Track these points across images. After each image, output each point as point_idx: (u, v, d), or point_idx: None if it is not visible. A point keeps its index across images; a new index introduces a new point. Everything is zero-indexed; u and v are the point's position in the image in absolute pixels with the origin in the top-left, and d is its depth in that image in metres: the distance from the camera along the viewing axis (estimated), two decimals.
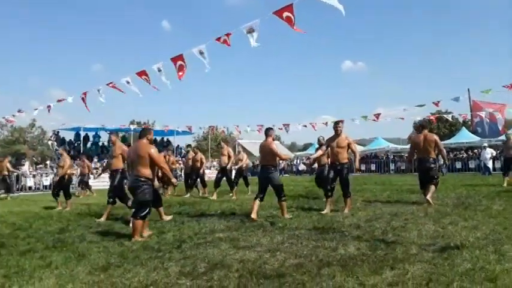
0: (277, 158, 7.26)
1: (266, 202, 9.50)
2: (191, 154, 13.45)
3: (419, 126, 8.89)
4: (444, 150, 8.71)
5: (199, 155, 13.09)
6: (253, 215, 6.70)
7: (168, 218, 7.26)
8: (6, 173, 15.05)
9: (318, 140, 9.89)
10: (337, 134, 7.49)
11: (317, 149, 9.22)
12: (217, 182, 12.08)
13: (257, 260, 4.09)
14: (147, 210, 5.57)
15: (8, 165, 15.29)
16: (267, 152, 7.13)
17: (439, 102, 17.73)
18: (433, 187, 7.93)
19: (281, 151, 8.57)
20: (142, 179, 5.59)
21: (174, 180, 6.69)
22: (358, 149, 32.23)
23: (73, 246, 5.17)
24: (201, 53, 7.83)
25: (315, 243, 4.75)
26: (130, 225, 5.87)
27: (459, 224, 5.57)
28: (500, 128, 27.21)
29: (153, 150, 5.66)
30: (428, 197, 7.74)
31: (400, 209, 7.38)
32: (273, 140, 7.32)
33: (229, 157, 12.10)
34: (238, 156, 13.07)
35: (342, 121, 7.65)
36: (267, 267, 3.82)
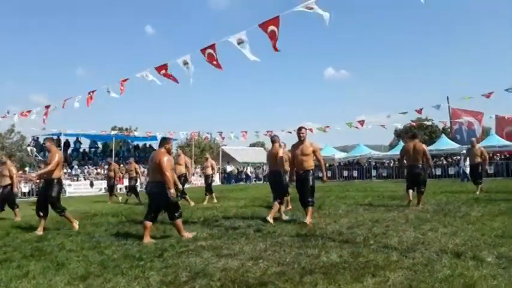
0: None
1: (250, 208, 9.50)
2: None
3: (411, 136, 9.56)
4: (430, 159, 9.27)
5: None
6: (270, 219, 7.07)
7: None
8: None
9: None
10: (300, 140, 7.06)
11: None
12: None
13: (239, 268, 4.07)
14: (180, 210, 6.09)
15: None
16: (273, 158, 7.71)
17: (421, 109, 18.12)
18: (421, 196, 8.86)
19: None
20: (162, 185, 5.88)
21: (172, 190, 5.99)
22: (341, 155, 32.82)
23: (52, 255, 5.06)
24: (185, 63, 7.81)
25: (298, 250, 4.76)
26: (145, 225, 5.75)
27: (439, 230, 5.67)
28: (477, 135, 27.86)
29: (165, 159, 5.92)
30: (419, 206, 8.52)
31: (381, 215, 7.47)
32: (279, 146, 7.87)
33: (186, 166, 11.93)
34: (206, 163, 13.18)
35: (304, 127, 7.14)
36: (250, 275, 3.80)
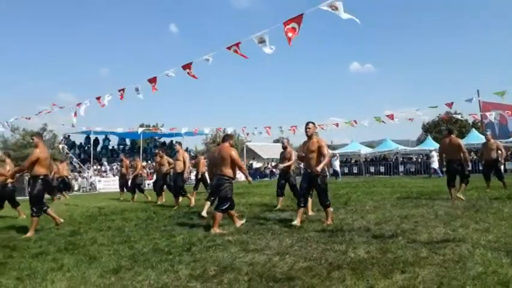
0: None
1: (274, 205, 9.52)
2: (158, 158, 12.25)
3: (447, 131, 9.69)
4: (466, 154, 9.12)
5: (166, 159, 11.98)
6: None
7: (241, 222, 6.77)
8: None
9: (282, 143, 9.62)
10: (307, 136, 6.62)
11: (281, 154, 9.18)
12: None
13: (266, 263, 4.10)
14: (227, 205, 6.37)
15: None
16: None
17: (452, 103, 17.48)
18: (463, 185, 8.90)
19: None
20: (225, 178, 6.43)
21: (250, 178, 7.13)
22: (367, 151, 32.32)
23: (84, 249, 5.22)
24: (207, 60, 7.94)
25: (324, 246, 4.75)
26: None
27: (470, 226, 5.53)
28: (510, 129, 26.90)
29: (234, 153, 6.51)
30: (459, 194, 8.70)
31: (410, 211, 7.33)
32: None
33: (184, 162, 10.78)
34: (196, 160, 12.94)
35: (311, 122, 6.62)
36: (277, 270, 3.82)
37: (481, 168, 23.77)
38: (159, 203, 11.85)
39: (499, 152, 11.31)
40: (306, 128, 6.60)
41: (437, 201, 8.79)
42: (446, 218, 6.39)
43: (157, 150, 12.75)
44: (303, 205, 6.48)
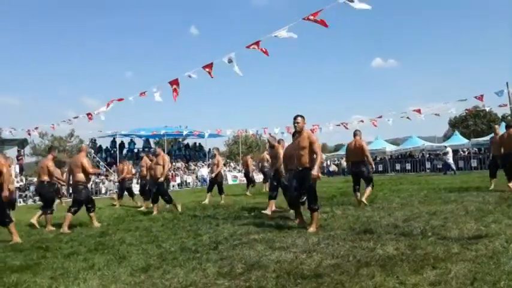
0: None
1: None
2: (145, 161, 11.82)
3: (506, 126, 10.00)
4: None
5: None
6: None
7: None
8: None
9: (268, 140, 9.02)
10: (296, 131, 6.07)
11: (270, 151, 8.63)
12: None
13: (293, 260, 4.08)
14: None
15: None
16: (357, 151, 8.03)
17: (482, 96, 16.88)
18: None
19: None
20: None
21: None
22: (392, 148, 31.80)
23: (114, 249, 5.33)
24: (230, 61, 7.97)
25: (352, 243, 4.69)
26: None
27: (503, 222, 5.36)
28: None
29: (280, 150, 7.31)
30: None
31: (438, 207, 7.17)
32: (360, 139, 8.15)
33: (163, 167, 9.96)
34: (213, 161, 12.27)
35: (300, 116, 6.02)
36: (304, 267, 3.80)
37: None
38: (155, 212, 9.69)
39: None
40: (294, 122, 6.01)
41: (467, 197, 8.55)
42: (478, 213, 6.21)
43: (144, 154, 12.23)
44: (296, 205, 6.16)
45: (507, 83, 26.05)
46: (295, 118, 6.01)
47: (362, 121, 22.19)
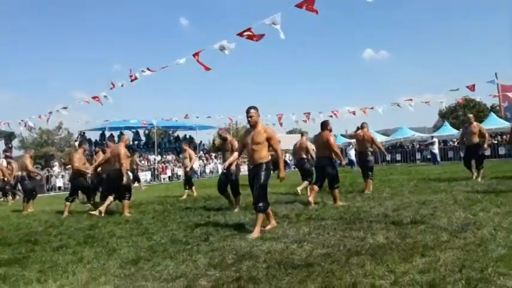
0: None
1: (291, 195, 9.51)
2: (100, 155, 10.90)
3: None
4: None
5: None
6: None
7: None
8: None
9: (218, 134, 8.66)
10: (250, 125, 5.47)
11: (218, 145, 8.33)
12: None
13: (284, 250, 4.09)
14: (338, 181, 7.35)
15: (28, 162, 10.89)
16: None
17: (473, 86, 16.94)
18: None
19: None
20: (327, 159, 7.34)
21: (344, 162, 8.09)
22: (383, 139, 32.04)
23: (103, 242, 5.29)
24: (222, 48, 7.85)
25: (342, 233, 4.71)
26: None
27: (491, 210, 5.42)
28: None
29: (332, 138, 7.36)
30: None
31: (428, 197, 7.23)
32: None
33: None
34: (184, 154, 12.19)
35: (254, 108, 5.37)
36: (295, 257, 3.81)
37: (501, 152, 23.67)
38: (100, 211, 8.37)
39: (483, 135, 10.16)
40: (247, 116, 5.36)
41: (456, 186, 8.65)
42: (466, 202, 6.28)
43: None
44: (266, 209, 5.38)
45: (496, 74, 26.32)
46: (247, 111, 5.35)
47: (354, 113, 22.20)
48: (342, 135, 42.94)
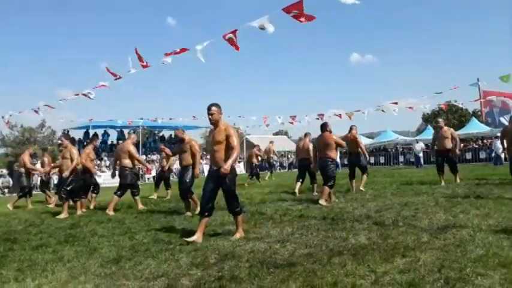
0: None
1: (275, 195, 9.53)
2: (45, 155, 11.79)
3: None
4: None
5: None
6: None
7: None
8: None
9: (175, 134, 8.83)
10: (211, 123, 5.12)
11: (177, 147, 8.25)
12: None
13: (267, 250, 4.09)
14: (333, 182, 7.62)
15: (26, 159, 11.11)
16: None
17: (455, 87, 17.40)
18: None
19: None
20: (329, 160, 7.74)
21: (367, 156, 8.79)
22: (367, 142, 32.39)
23: (84, 241, 5.21)
24: (203, 48, 7.78)
25: (325, 233, 4.74)
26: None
27: (471, 212, 5.52)
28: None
29: (336, 137, 7.91)
30: None
31: (410, 199, 7.33)
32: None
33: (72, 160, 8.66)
34: (162, 154, 11.80)
35: (214, 105, 5.04)
36: (278, 257, 3.82)
37: (482, 156, 24.13)
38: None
39: (454, 140, 9.99)
40: (208, 113, 5.01)
41: (438, 189, 8.78)
42: (447, 204, 6.38)
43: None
44: (207, 214, 4.97)
45: (478, 79, 26.83)
46: (208, 108, 5.00)
47: (340, 115, 22.37)
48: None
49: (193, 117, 25.41)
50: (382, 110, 19.04)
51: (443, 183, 9.70)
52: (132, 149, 8.36)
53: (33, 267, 3.99)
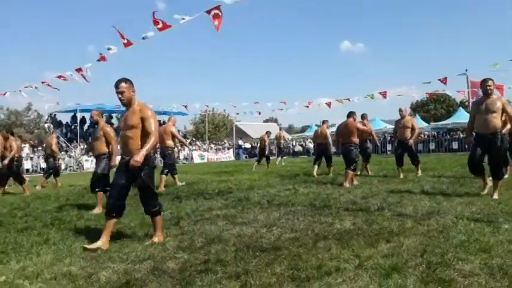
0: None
1: (262, 182, 9.57)
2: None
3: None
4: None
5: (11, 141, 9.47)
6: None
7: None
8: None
9: (91, 115, 7.32)
10: (123, 104, 4.23)
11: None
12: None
13: (254, 234, 4.12)
14: (355, 165, 8.22)
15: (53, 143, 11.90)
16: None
17: (445, 79, 17.49)
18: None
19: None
20: (352, 145, 8.27)
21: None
22: None
23: (71, 224, 5.20)
24: (182, 19, 7.48)
25: (311, 218, 4.79)
26: None
27: (455, 200, 5.61)
28: None
29: (359, 124, 8.54)
30: None
31: (396, 186, 7.43)
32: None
33: (10, 149, 9.24)
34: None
35: (125, 80, 4.13)
36: (264, 241, 3.85)
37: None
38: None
39: (414, 130, 9.44)
40: (117, 92, 4.08)
41: (424, 177, 8.90)
42: (432, 192, 6.48)
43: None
44: (115, 214, 4.12)
45: (466, 69, 26.97)
46: (116, 86, 4.09)
47: (329, 104, 22.43)
48: (316, 125, 43.40)
49: (185, 107, 25.34)
50: (371, 97, 19.12)
51: (401, 175, 9.08)
52: (175, 131, 9.44)
53: (17, 250, 3.96)
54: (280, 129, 19.84)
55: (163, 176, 9.20)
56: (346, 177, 8.05)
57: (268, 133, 17.25)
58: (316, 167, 10.84)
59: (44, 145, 14.17)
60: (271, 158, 17.14)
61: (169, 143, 9.21)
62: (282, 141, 20.00)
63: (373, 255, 3.23)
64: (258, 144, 18.06)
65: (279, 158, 19.52)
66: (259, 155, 16.86)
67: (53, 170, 11.95)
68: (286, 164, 18.06)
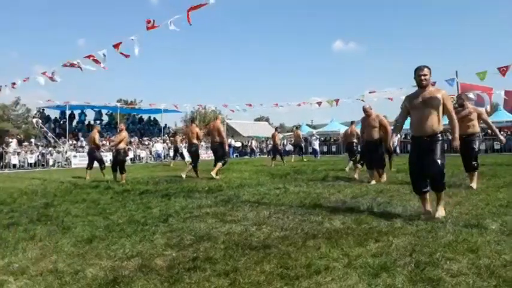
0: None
1: (253, 180, 9.54)
2: None
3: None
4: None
5: None
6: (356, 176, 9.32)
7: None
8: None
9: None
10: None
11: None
12: None
13: (243, 232, 4.10)
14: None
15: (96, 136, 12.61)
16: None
17: (434, 83, 17.67)
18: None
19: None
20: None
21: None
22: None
23: (58, 220, 5.12)
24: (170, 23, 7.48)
25: (301, 217, 4.78)
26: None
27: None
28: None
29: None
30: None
31: (386, 186, 7.46)
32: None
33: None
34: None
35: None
36: (253, 239, 3.83)
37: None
38: None
39: (384, 128, 8.49)
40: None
41: (369, 187, 8.94)
42: None
43: None
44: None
45: (456, 72, 27.30)
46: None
47: (319, 103, 22.53)
48: (307, 125, 43.53)
49: (175, 106, 25.29)
50: (362, 100, 19.27)
51: (373, 181, 8.21)
52: (222, 128, 10.60)
53: (3, 246, 3.89)
54: (276, 129, 19.82)
55: (220, 163, 10.51)
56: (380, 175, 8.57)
57: (277, 129, 18.80)
58: (351, 162, 11.47)
59: (87, 140, 15.49)
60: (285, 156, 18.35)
61: (217, 138, 10.45)
62: (299, 139, 20.92)
63: (362, 254, 3.23)
64: (271, 142, 19.50)
65: (293, 156, 20.66)
66: (272, 153, 17.76)
67: (100, 162, 12.64)
68: (304, 162, 17.94)
